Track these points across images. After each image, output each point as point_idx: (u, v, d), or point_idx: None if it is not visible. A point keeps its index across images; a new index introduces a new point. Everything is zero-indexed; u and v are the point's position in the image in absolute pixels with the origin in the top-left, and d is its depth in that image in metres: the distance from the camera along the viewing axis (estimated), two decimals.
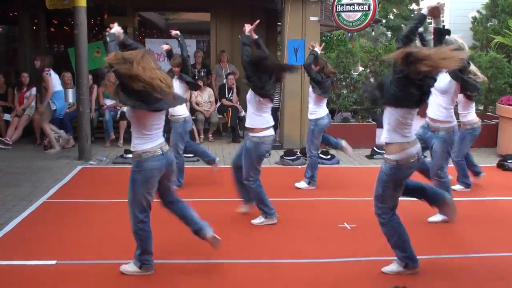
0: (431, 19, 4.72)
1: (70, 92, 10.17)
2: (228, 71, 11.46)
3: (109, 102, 10.55)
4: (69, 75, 10.28)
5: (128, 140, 10.29)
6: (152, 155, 4.11)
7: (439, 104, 5.78)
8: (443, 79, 5.57)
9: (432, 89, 4.26)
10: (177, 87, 6.57)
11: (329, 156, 8.81)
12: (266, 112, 5.53)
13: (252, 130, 5.50)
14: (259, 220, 5.69)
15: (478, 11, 28.36)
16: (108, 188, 7.10)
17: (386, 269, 4.48)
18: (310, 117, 7.17)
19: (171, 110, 6.64)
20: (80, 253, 4.79)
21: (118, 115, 10.26)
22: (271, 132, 5.57)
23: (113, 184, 7.35)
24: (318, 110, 7.10)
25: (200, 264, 4.62)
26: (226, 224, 5.60)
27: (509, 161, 8.55)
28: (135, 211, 4.23)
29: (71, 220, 5.75)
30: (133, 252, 4.39)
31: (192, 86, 7.21)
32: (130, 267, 4.40)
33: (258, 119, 5.48)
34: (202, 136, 10.87)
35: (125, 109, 10.11)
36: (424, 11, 4.46)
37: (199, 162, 8.29)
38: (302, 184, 7.21)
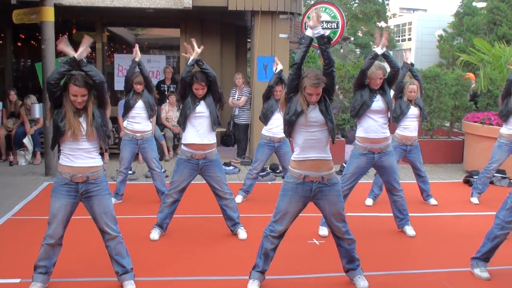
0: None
1: (37, 107, 10.04)
2: None
3: None
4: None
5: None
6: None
7: None
8: None
9: None
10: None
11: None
12: None
13: None
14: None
15: (444, 30, 29.04)
16: None
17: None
18: None
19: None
20: None
21: None
22: None
23: None
24: None
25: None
26: (197, 239, 5.54)
27: (475, 177, 8.65)
28: None
29: (36, 237, 5.58)
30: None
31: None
32: None
33: None
34: (171, 153, 10.80)
35: None
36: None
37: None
38: None
